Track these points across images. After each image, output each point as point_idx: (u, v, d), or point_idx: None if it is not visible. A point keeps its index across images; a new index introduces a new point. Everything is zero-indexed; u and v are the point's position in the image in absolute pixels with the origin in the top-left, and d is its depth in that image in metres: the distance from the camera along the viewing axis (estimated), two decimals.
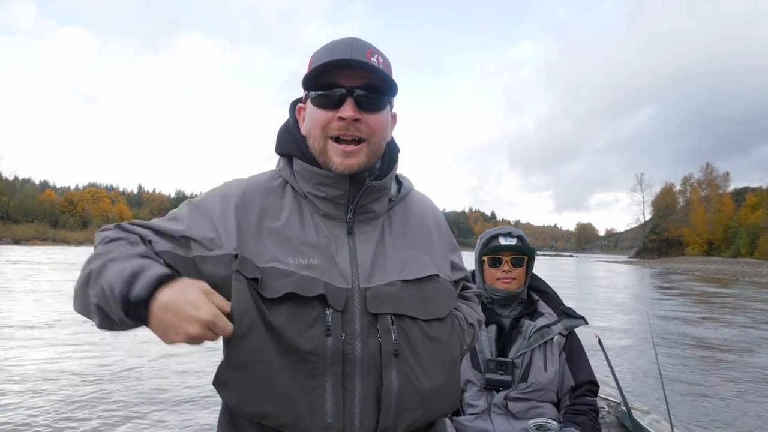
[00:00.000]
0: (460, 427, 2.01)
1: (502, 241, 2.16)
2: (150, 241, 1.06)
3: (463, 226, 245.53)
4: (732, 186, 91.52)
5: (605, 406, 2.69)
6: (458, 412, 2.07)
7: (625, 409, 2.34)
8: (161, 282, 0.90)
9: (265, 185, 1.15)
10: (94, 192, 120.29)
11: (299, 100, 1.19)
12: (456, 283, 1.27)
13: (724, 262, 54.78)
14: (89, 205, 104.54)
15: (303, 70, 1.12)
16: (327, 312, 1.01)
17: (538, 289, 2.28)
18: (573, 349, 2.11)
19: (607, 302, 16.11)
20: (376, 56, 1.09)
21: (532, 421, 1.79)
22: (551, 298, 2.25)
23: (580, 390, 2.04)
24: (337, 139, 1.08)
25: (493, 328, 2.12)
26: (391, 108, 1.18)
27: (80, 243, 66.37)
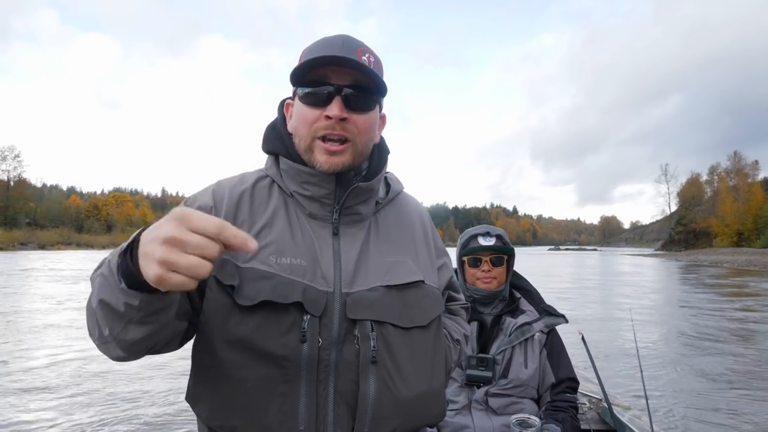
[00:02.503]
0: (440, 422, 1.98)
1: (481, 241, 2.16)
2: None
3: (485, 222, 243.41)
4: (762, 174, 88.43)
5: (586, 402, 2.69)
6: None
7: (606, 405, 2.35)
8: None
9: (251, 184, 1.13)
10: (118, 196, 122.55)
11: (288, 98, 1.16)
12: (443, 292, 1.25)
13: (754, 253, 52.96)
14: (113, 209, 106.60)
15: None
16: (304, 318, 0.98)
17: (520, 287, 2.28)
18: (554, 347, 2.12)
19: (634, 302, 15.32)
20: (367, 55, 1.06)
21: (514, 417, 1.78)
22: (533, 296, 2.24)
23: (560, 387, 2.05)
24: (323, 138, 1.05)
25: (474, 325, 2.12)
26: (381, 109, 1.15)
27: (104, 247, 67.63)
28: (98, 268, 0.93)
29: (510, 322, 2.11)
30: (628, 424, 2.38)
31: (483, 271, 2.14)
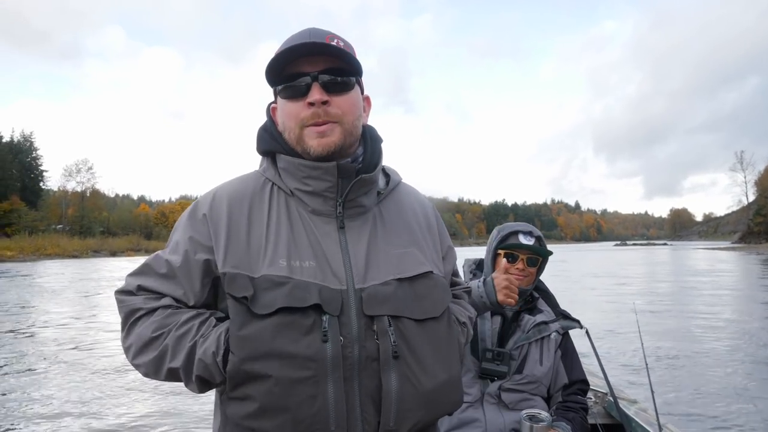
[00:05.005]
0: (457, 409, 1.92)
1: (522, 239, 2.15)
2: (180, 299, 1.10)
3: (546, 218, 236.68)
4: None
5: (592, 397, 2.67)
6: None
7: (611, 399, 2.35)
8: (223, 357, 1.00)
9: (250, 188, 1.13)
10: (184, 204, 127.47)
11: (273, 102, 1.17)
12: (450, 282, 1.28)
13: None
14: (179, 216, 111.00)
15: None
16: (323, 318, 0.99)
17: (539, 288, 2.31)
18: (568, 348, 2.15)
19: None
20: (335, 40, 1.07)
21: (524, 411, 1.82)
22: (550, 298, 2.27)
23: (572, 388, 2.08)
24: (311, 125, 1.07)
25: (498, 319, 2.13)
26: (362, 90, 1.16)
27: None
28: (153, 342, 1.06)
29: (528, 319, 2.14)
30: (634, 417, 2.37)
31: (517, 268, 2.13)
